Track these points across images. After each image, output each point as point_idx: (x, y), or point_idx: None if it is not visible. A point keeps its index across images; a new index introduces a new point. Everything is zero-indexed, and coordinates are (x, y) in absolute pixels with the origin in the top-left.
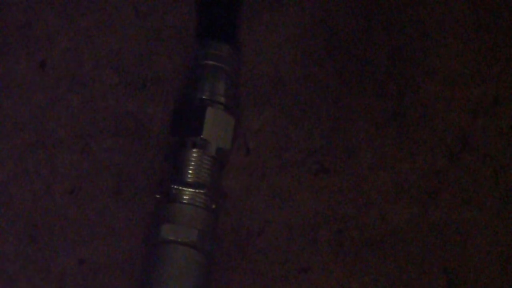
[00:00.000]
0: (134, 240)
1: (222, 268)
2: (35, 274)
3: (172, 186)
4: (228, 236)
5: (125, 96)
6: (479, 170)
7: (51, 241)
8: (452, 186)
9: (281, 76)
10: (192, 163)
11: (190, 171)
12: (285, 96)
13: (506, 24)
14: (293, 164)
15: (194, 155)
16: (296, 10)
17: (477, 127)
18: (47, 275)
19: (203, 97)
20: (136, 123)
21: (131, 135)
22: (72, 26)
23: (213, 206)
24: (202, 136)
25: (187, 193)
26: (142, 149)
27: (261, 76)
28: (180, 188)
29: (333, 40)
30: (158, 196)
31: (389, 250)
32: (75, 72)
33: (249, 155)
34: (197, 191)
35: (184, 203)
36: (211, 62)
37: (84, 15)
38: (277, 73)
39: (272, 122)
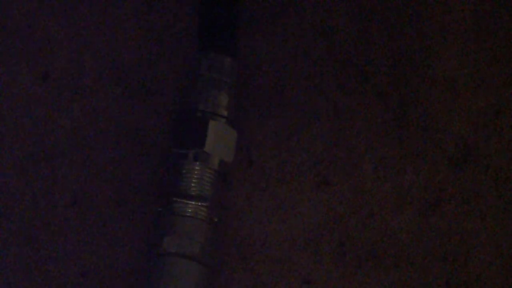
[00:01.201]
0: (136, 251)
1: (224, 280)
2: (37, 286)
3: (175, 199)
4: (230, 247)
5: (127, 107)
6: (481, 180)
7: (53, 253)
8: (454, 197)
9: (282, 88)
10: (195, 176)
11: (193, 184)
12: (287, 107)
13: (509, 35)
14: (295, 176)
15: (197, 168)
16: (296, 20)
17: (479, 137)
18: (49, 286)
19: (206, 110)
20: (138, 134)
21: (133, 146)
22: (74, 33)
23: (215, 219)
24: (204, 149)
25: (190, 206)
26: (143, 160)
27: (262, 88)
28: (183, 201)
29: (334, 50)
30: (160, 209)
31: (391, 262)
32: (77, 82)
33: (251, 167)
34: (199, 204)
35: (187, 216)
36: (213, 75)
37: (86, 22)
38: (278, 84)
39: (274, 134)
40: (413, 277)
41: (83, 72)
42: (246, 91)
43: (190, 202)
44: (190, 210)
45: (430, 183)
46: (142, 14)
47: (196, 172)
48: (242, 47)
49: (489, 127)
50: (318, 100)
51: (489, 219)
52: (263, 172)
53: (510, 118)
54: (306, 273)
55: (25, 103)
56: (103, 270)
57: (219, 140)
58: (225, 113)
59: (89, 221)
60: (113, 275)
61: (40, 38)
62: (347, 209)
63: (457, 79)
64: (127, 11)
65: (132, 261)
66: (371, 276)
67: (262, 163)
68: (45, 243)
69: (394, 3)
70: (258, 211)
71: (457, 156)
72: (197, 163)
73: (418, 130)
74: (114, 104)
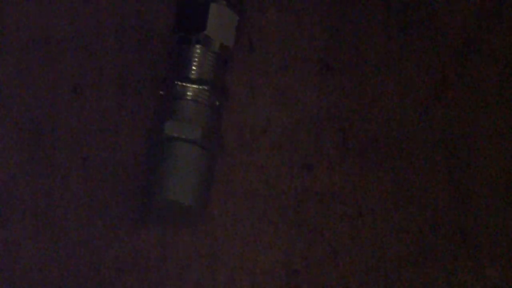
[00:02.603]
0: (138, 137)
1: (226, 165)
2: (38, 172)
3: (176, 82)
4: (232, 134)
5: None
6: (484, 71)
7: (54, 140)
8: (457, 87)
9: None
10: (196, 60)
11: (194, 68)
12: None
13: None
14: (297, 62)
15: (198, 51)
16: None
17: (482, 29)
18: (51, 172)
19: None
20: (140, 20)
21: (134, 33)
22: None
23: (217, 103)
24: (205, 33)
25: (191, 90)
26: (145, 47)
27: None
28: (184, 84)
29: None
30: (162, 92)
31: (393, 151)
32: None
33: (252, 53)
34: (200, 87)
35: (188, 99)
36: None
37: None
38: None
39: (276, 21)
40: (415, 163)
41: None
42: None
43: (191, 85)
44: (191, 94)
45: (433, 74)
46: None
47: (197, 55)
48: None
49: (491, 19)
50: None
51: (491, 109)
52: (265, 58)
53: None
54: (307, 159)
55: None
56: (105, 156)
57: (220, 23)
58: None
59: (91, 107)
60: (115, 160)
61: None
62: (350, 96)
63: None
64: None
65: (133, 146)
66: (373, 162)
67: (263, 48)
68: (47, 130)
69: None
70: (259, 97)
71: (460, 46)
72: (198, 46)
73: (421, 20)
74: None
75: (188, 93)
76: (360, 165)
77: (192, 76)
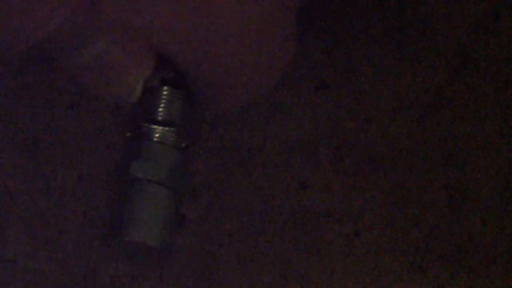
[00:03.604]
0: None
1: (222, 184)
2: (34, 190)
3: (142, 123)
4: (227, 152)
5: None
6: (479, 85)
7: (51, 157)
8: (453, 102)
9: None
10: (163, 101)
11: (161, 109)
12: None
13: None
14: (293, 80)
15: (165, 92)
16: None
17: (478, 42)
18: (47, 190)
19: None
20: None
21: None
22: None
23: (183, 144)
24: (173, 73)
25: (158, 131)
26: None
27: None
28: (150, 126)
29: None
30: (128, 134)
31: (389, 166)
32: None
33: None
34: (167, 128)
35: (154, 141)
36: None
37: None
38: None
39: None
40: (412, 181)
41: None
42: None
43: (158, 126)
44: (157, 135)
45: (429, 88)
46: None
47: (164, 96)
48: None
49: (488, 32)
50: (316, 3)
51: (487, 123)
52: None
53: (509, 22)
54: (303, 178)
55: None
56: (101, 174)
57: None
58: None
59: (87, 125)
60: (111, 178)
61: None
62: (346, 114)
63: None
64: None
65: None
66: (369, 181)
67: None
68: (43, 147)
69: None
70: (255, 115)
71: (456, 60)
72: (165, 87)
73: (416, 34)
74: None
75: (155, 134)
76: (356, 183)
77: (159, 118)
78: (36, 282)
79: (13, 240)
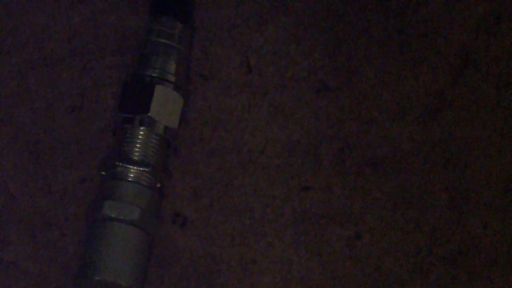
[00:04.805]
0: None
1: (223, 186)
2: (36, 191)
3: (117, 163)
4: (229, 154)
5: (126, 12)
6: (481, 88)
7: (52, 159)
8: (454, 104)
9: None
10: (138, 141)
11: (137, 149)
12: (287, 14)
13: None
14: (295, 82)
15: (141, 133)
16: None
17: (479, 44)
18: (49, 193)
19: (153, 74)
20: (137, 39)
21: (132, 52)
22: None
23: (158, 185)
24: (149, 114)
25: (132, 171)
26: None
27: None
28: (125, 165)
29: None
30: (103, 173)
31: (390, 168)
32: None
33: (250, 73)
34: (141, 169)
35: (129, 181)
36: (163, 40)
37: None
38: None
39: (274, 40)
40: (413, 183)
41: None
42: None
43: (132, 167)
44: (132, 175)
45: (430, 90)
46: None
47: (140, 137)
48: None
49: (489, 34)
50: (318, 6)
51: (489, 126)
52: (263, 78)
53: (510, 24)
54: (305, 180)
55: (24, 10)
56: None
57: (165, 105)
58: (173, 79)
59: (88, 127)
60: None
61: None
62: (347, 116)
63: None
64: None
65: None
66: (371, 183)
67: (261, 69)
68: (45, 149)
69: None
70: (257, 117)
71: (457, 63)
72: (142, 128)
73: (417, 37)
74: (113, 9)
75: (130, 174)
76: (357, 185)
77: (135, 158)
78: (37, 283)
79: (14, 242)
